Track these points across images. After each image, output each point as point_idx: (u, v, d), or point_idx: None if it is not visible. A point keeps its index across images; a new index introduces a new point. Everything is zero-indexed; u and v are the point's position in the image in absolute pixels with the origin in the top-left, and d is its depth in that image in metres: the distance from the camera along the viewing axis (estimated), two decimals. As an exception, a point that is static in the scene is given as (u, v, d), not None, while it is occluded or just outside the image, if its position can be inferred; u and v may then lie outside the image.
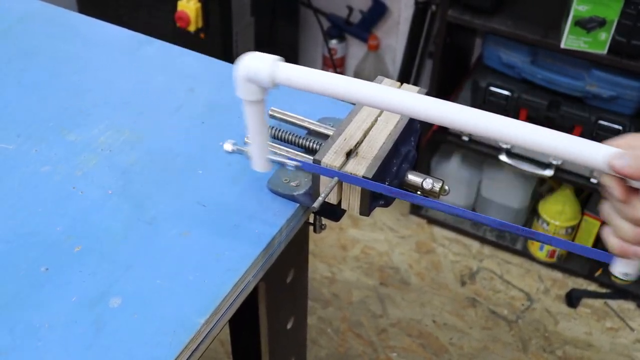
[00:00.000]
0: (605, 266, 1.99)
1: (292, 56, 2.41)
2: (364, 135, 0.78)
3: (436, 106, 0.63)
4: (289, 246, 0.82)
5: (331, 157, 0.74)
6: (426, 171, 2.13)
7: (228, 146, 0.82)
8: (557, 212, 1.97)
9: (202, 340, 0.68)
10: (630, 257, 0.60)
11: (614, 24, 1.55)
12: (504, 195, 2.08)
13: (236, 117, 0.92)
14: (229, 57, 1.97)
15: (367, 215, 0.77)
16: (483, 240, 2.12)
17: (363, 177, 0.72)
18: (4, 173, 0.83)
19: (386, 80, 0.83)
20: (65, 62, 1.03)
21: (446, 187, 0.77)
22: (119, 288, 0.70)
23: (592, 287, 2.02)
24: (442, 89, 1.96)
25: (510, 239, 2.11)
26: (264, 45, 2.10)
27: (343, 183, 0.75)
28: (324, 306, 1.92)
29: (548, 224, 1.98)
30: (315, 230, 0.90)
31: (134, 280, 0.71)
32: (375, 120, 0.80)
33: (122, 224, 0.77)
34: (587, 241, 1.99)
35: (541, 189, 2.14)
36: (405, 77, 2.23)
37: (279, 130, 0.85)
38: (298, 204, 0.80)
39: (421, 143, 2.03)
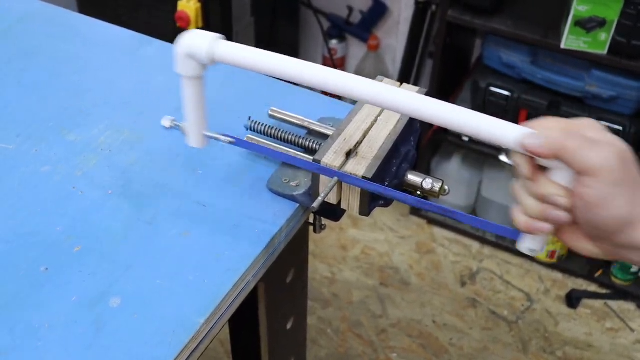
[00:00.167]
0: (606, 267, 2.00)
1: (292, 56, 2.40)
2: (364, 135, 0.77)
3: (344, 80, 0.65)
4: (289, 246, 0.82)
5: (331, 157, 0.74)
6: (426, 171, 2.13)
7: (166, 122, 0.81)
8: (557, 212, 1.97)
9: (202, 340, 0.68)
10: (535, 233, 0.62)
11: (614, 24, 1.55)
12: (505, 195, 2.08)
13: (236, 117, 0.92)
14: (229, 57, 1.96)
15: (367, 215, 0.77)
16: (483, 241, 2.12)
17: (363, 177, 0.72)
18: (4, 173, 0.83)
19: (386, 80, 0.83)
20: (65, 62, 1.03)
21: (446, 187, 0.77)
22: (119, 288, 0.70)
23: (592, 287, 2.02)
24: (442, 89, 1.96)
25: (511, 240, 2.11)
26: (264, 45, 2.10)
27: (343, 183, 0.75)
28: (324, 306, 1.92)
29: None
30: (315, 231, 0.90)
31: (134, 280, 0.71)
32: (375, 120, 0.80)
33: (122, 224, 0.77)
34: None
35: (541, 189, 2.13)
36: (405, 77, 2.23)
37: (279, 130, 0.85)
38: (298, 204, 0.80)
39: (421, 143, 2.03)
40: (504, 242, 2.10)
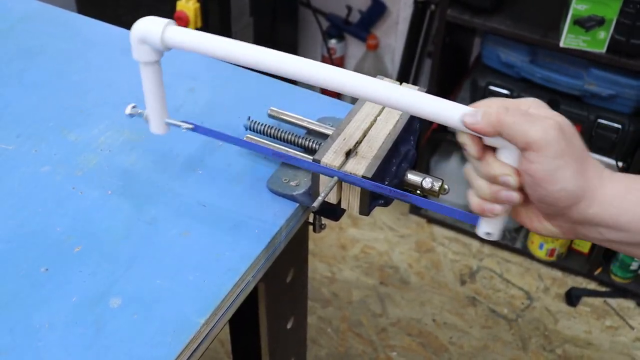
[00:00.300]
0: (605, 265, 2.00)
1: (291, 56, 2.41)
2: (364, 135, 0.78)
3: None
4: (289, 246, 0.82)
5: (331, 157, 0.74)
6: (426, 170, 2.14)
7: (128, 109, 0.82)
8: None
9: (202, 340, 0.68)
10: (489, 215, 0.62)
11: (612, 22, 1.55)
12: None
13: (236, 117, 0.92)
14: (229, 57, 1.96)
15: (367, 214, 0.77)
16: (483, 240, 2.12)
17: (362, 176, 0.72)
18: (4, 173, 0.83)
19: (385, 79, 0.83)
20: (66, 62, 1.03)
21: (446, 186, 0.77)
22: (119, 288, 0.71)
23: (592, 285, 2.02)
24: (442, 88, 1.96)
25: (510, 238, 2.11)
26: (263, 44, 2.10)
27: (342, 183, 0.75)
28: (324, 306, 1.92)
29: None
30: (315, 230, 0.90)
31: (134, 281, 0.71)
32: (375, 119, 0.80)
33: (122, 224, 0.77)
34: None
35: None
36: (404, 76, 2.23)
37: (279, 130, 0.85)
38: (298, 204, 0.81)
39: (421, 142, 2.03)
40: (504, 240, 2.10)
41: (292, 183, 0.81)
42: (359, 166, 0.73)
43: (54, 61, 1.03)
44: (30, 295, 0.70)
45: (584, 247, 2.04)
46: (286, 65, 0.67)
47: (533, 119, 0.57)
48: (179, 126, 0.79)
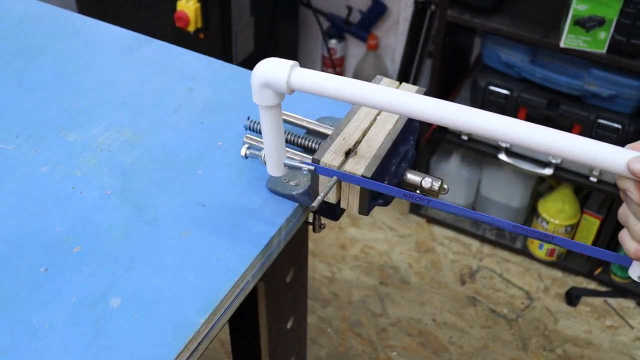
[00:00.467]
0: (605, 265, 1.99)
1: (291, 56, 2.41)
2: (363, 135, 0.78)
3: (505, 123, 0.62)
4: (289, 246, 0.82)
5: (330, 157, 0.74)
6: (425, 170, 2.13)
7: (243, 151, 0.81)
8: (557, 210, 1.98)
9: (202, 340, 0.68)
10: None
11: (613, 23, 1.55)
12: (504, 194, 2.08)
13: (236, 117, 0.92)
14: (229, 57, 1.97)
15: (367, 214, 0.77)
16: (483, 239, 2.12)
17: (362, 176, 0.72)
18: (4, 173, 0.83)
19: (385, 79, 0.84)
20: (65, 63, 1.03)
21: (445, 186, 0.77)
22: (119, 288, 0.71)
23: (592, 285, 2.02)
24: (442, 89, 1.96)
25: (510, 238, 2.11)
26: (263, 45, 2.10)
27: (342, 182, 0.75)
28: (324, 306, 1.92)
29: (547, 222, 1.98)
30: (314, 230, 0.90)
31: (134, 281, 0.71)
32: (374, 119, 0.80)
33: (122, 224, 0.77)
34: (587, 239, 1.99)
35: (541, 187, 2.14)
36: (404, 76, 2.23)
37: (278, 130, 0.85)
38: (297, 204, 0.81)
39: (420, 142, 2.03)
40: (504, 240, 2.10)
41: (292, 183, 0.81)
42: (359, 166, 0.73)
43: (54, 61, 1.03)
44: (30, 295, 0.70)
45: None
46: (438, 110, 0.64)
47: None
48: (299, 167, 0.75)
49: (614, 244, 1.96)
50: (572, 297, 1.96)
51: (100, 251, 0.74)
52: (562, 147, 0.60)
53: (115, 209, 0.79)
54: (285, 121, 0.88)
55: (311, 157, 0.76)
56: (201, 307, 0.69)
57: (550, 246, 2.00)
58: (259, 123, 0.87)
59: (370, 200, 0.76)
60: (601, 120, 1.76)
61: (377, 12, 2.29)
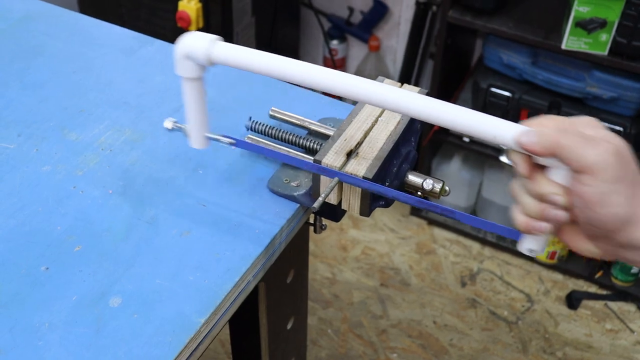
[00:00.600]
0: (606, 268, 2.00)
1: (292, 56, 2.40)
2: (365, 136, 0.78)
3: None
4: (289, 246, 0.82)
5: (331, 158, 0.74)
6: (427, 172, 2.13)
7: (168, 124, 0.81)
8: (558, 213, 1.97)
9: (202, 340, 0.68)
10: (535, 233, 0.61)
11: (614, 25, 1.55)
12: (505, 196, 2.08)
13: (237, 118, 0.92)
14: (230, 57, 1.96)
15: (368, 215, 0.77)
16: (483, 242, 2.12)
17: (363, 177, 0.72)
18: (5, 172, 0.83)
19: (387, 80, 0.83)
20: (66, 62, 1.03)
21: (447, 188, 0.77)
22: (119, 288, 0.71)
23: (593, 288, 2.02)
24: (443, 90, 1.96)
25: (511, 240, 2.11)
26: (264, 45, 2.10)
27: (343, 183, 0.75)
28: (325, 307, 1.92)
29: (548, 225, 1.98)
30: (315, 231, 0.90)
31: (134, 280, 0.71)
32: (376, 120, 0.80)
33: (123, 223, 0.77)
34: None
35: (542, 190, 2.13)
36: (406, 77, 2.23)
37: (280, 131, 0.85)
38: (298, 204, 0.80)
39: (422, 143, 2.03)
40: (504, 242, 2.10)
41: (293, 183, 0.81)
42: (360, 167, 0.73)
43: (55, 60, 1.03)
44: (31, 295, 0.69)
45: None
46: (343, 84, 0.65)
47: (590, 141, 0.56)
48: (219, 140, 0.78)
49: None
50: (573, 300, 1.96)
51: (101, 250, 0.74)
52: (454, 120, 0.61)
53: (116, 209, 0.79)
54: (287, 122, 0.88)
55: (312, 158, 0.75)
56: (201, 307, 0.69)
57: (552, 249, 2.00)
58: (260, 123, 0.87)
59: (372, 201, 0.76)
60: (602, 123, 1.75)
61: (378, 13, 2.29)
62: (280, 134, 0.85)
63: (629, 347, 1.87)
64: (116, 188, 0.82)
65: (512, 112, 1.84)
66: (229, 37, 1.93)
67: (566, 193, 0.58)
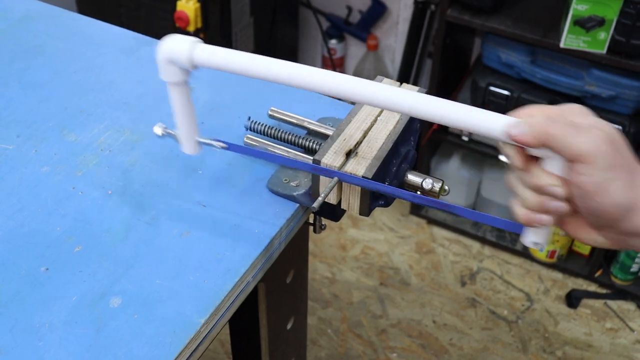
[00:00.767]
0: (605, 267, 1.99)
1: (291, 56, 2.41)
2: (364, 135, 0.78)
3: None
4: (289, 246, 0.82)
5: (331, 157, 0.74)
6: (426, 171, 2.13)
7: (158, 130, 0.80)
8: (557, 212, 1.97)
9: (202, 340, 0.68)
10: (536, 226, 0.61)
11: (613, 23, 1.55)
12: (504, 195, 2.08)
13: (236, 118, 0.92)
14: (229, 57, 1.96)
15: (367, 215, 0.77)
16: (483, 241, 2.12)
17: (363, 177, 0.72)
18: (4, 173, 0.83)
19: (386, 80, 0.84)
20: (66, 62, 1.03)
21: (446, 187, 0.77)
22: (119, 288, 0.71)
23: (592, 287, 2.02)
24: (442, 89, 1.96)
25: (511, 240, 2.11)
26: (263, 45, 2.10)
27: (343, 183, 0.75)
28: (324, 306, 1.92)
29: (548, 224, 1.98)
30: (315, 231, 0.90)
31: (134, 280, 0.71)
32: (375, 120, 0.80)
33: (123, 224, 0.77)
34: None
35: (541, 189, 2.14)
36: (404, 77, 2.23)
37: (279, 131, 0.85)
38: (298, 204, 0.80)
39: (421, 143, 2.03)
40: (504, 241, 2.10)
41: (292, 183, 0.81)
42: (359, 167, 0.73)
43: (54, 61, 1.03)
44: (31, 295, 0.69)
45: (585, 249, 2.04)
46: (325, 81, 0.65)
47: (581, 129, 0.55)
48: (211, 145, 0.77)
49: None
50: (573, 299, 1.96)
51: (101, 251, 0.74)
52: (443, 114, 0.60)
53: (116, 209, 0.79)
54: (286, 122, 0.88)
55: (312, 158, 0.76)
56: (201, 308, 0.69)
57: (551, 248, 2.00)
58: (259, 123, 0.87)
59: (371, 201, 0.76)
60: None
61: (377, 13, 2.29)
62: (280, 133, 0.85)
63: (628, 346, 1.87)
64: (116, 189, 0.82)
65: (511, 110, 1.84)
66: (227, 37, 1.94)
67: (563, 183, 0.57)
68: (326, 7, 2.38)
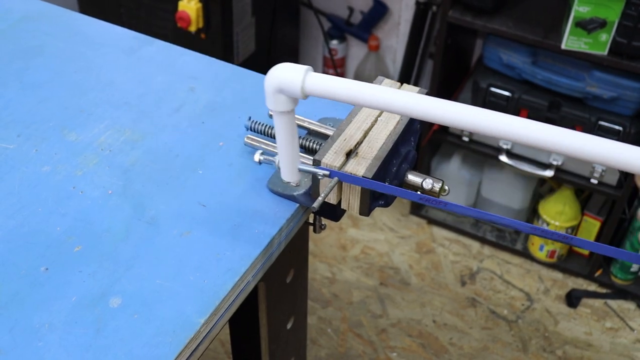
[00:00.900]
0: (605, 266, 1.99)
1: (292, 56, 2.41)
2: (364, 136, 0.78)
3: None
4: (289, 246, 0.82)
5: (331, 157, 0.74)
6: (426, 171, 2.13)
7: (257, 157, 0.80)
8: (558, 212, 1.97)
9: (202, 340, 0.68)
10: None
11: (614, 25, 1.55)
12: (504, 195, 2.08)
13: (237, 118, 0.92)
14: (230, 57, 1.97)
15: (367, 215, 0.77)
16: (483, 241, 2.12)
17: (363, 177, 0.72)
18: (5, 172, 0.83)
19: (386, 80, 0.84)
20: (66, 62, 1.03)
21: (446, 187, 0.77)
22: (119, 288, 0.71)
23: (592, 287, 2.02)
24: (443, 90, 1.96)
25: (511, 239, 2.11)
26: (264, 45, 2.10)
27: (343, 183, 0.75)
28: (324, 306, 1.92)
29: (548, 224, 1.98)
30: (315, 230, 0.90)
31: (134, 280, 0.71)
32: (375, 120, 0.80)
33: (122, 224, 0.77)
34: (587, 242, 1.99)
35: (541, 189, 2.14)
36: (405, 77, 2.23)
37: (279, 131, 0.85)
38: (298, 204, 0.80)
39: (421, 143, 2.03)
40: (504, 241, 2.10)
41: (292, 183, 0.81)
42: (360, 167, 0.73)
43: (54, 60, 1.03)
44: (30, 295, 0.70)
45: (585, 249, 2.04)
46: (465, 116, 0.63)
47: None
48: (314, 173, 0.74)
49: (615, 246, 1.95)
50: (573, 299, 1.96)
51: (101, 251, 0.74)
52: (586, 151, 0.57)
53: (116, 209, 0.79)
54: (286, 122, 0.88)
55: (312, 158, 0.76)
56: (201, 307, 0.69)
57: (551, 248, 2.00)
58: (260, 123, 0.87)
59: (371, 201, 0.76)
60: (602, 122, 1.75)
61: (378, 13, 2.29)
62: (280, 134, 0.85)
63: (628, 346, 1.87)
64: (116, 188, 0.82)
65: (511, 112, 1.84)
66: (229, 37, 1.94)
67: None
68: (327, 8, 2.38)
